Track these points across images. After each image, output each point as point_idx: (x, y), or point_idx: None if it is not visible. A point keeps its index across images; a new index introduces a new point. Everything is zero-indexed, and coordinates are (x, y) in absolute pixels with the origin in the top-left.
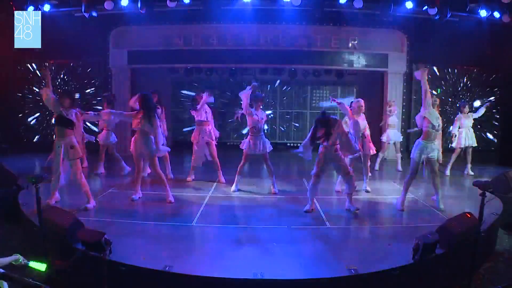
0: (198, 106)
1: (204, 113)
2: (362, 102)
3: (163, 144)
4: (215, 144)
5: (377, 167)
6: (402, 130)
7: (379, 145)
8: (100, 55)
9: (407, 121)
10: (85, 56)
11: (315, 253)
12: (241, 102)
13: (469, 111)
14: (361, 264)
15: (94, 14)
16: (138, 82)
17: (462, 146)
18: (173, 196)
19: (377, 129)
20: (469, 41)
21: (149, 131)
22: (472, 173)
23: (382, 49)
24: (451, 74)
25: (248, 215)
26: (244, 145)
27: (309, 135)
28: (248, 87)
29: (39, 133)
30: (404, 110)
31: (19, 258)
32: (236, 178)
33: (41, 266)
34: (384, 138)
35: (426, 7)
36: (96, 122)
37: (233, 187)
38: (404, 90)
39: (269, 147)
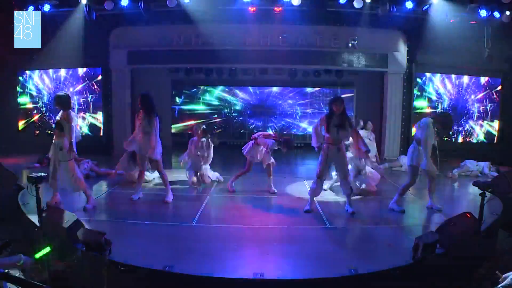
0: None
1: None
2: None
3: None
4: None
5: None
6: (402, 130)
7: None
8: (100, 55)
9: (407, 122)
10: (85, 56)
11: (315, 253)
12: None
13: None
14: (361, 264)
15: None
16: (138, 82)
17: None
18: (172, 196)
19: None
20: (469, 41)
21: (150, 131)
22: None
23: (382, 49)
24: (450, 74)
25: (248, 215)
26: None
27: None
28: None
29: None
30: (404, 110)
31: (21, 259)
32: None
33: (46, 250)
34: None
35: (426, 6)
36: None
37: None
38: (404, 90)
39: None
